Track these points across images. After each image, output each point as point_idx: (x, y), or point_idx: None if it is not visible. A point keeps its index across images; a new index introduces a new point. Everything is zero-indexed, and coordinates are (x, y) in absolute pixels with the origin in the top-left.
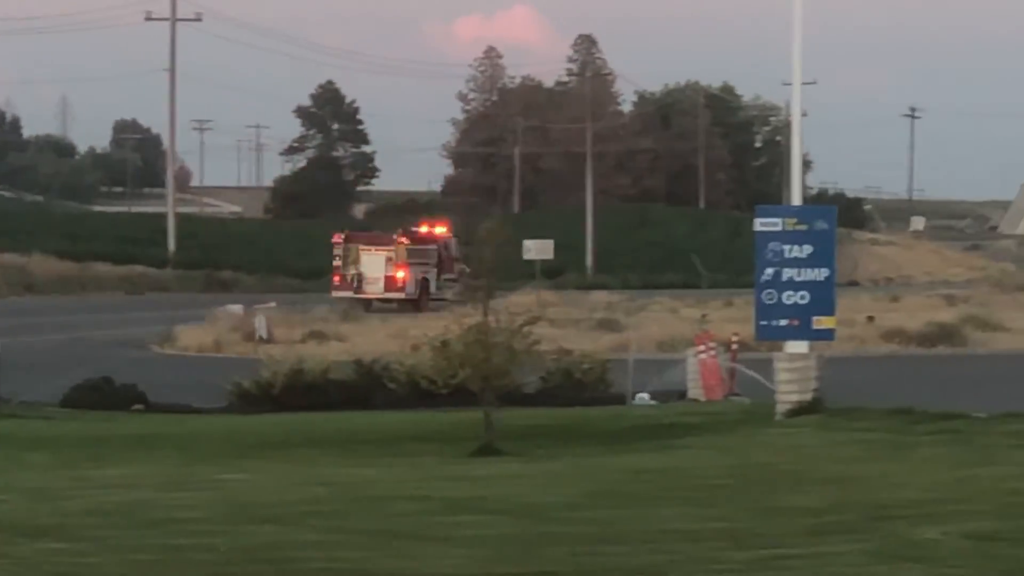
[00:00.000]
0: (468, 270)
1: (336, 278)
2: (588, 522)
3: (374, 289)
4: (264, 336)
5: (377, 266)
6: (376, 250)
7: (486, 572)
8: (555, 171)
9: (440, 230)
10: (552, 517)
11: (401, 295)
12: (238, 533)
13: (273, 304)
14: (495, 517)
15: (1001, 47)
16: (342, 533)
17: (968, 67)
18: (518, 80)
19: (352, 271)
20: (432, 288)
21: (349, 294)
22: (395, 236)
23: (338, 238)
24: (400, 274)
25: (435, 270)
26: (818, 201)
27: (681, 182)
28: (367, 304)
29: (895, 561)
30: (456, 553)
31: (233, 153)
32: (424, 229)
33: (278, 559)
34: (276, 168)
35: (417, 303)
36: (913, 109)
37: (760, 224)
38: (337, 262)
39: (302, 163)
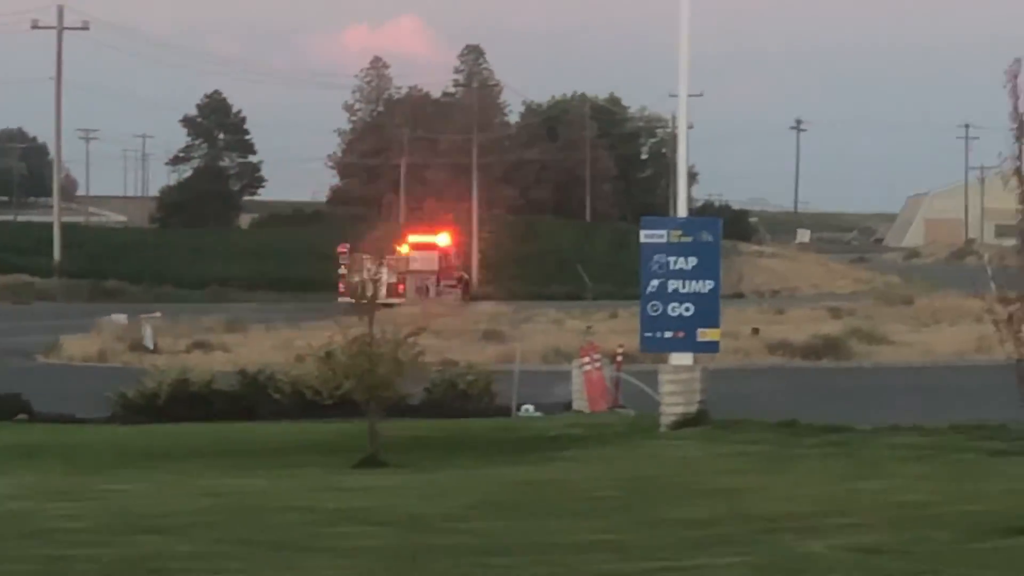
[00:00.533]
0: (467, 277)
1: (341, 286)
2: (473, 534)
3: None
4: (150, 346)
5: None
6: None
7: None
8: (441, 182)
9: (441, 239)
10: (437, 529)
11: (403, 301)
12: (122, 544)
13: (158, 314)
14: (379, 528)
15: (888, 60)
16: (226, 544)
17: (855, 80)
18: (405, 91)
19: (356, 279)
20: (432, 294)
21: (352, 301)
22: (397, 245)
23: (343, 248)
24: (401, 282)
25: (436, 276)
26: (704, 213)
27: (567, 193)
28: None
29: (780, 574)
30: (340, 564)
31: (119, 163)
32: (425, 239)
33: (161, 570)
34: (163, 178)
35: (417, 309)
36: (799, 121)
37: (645, 236)
38: (342, 271)
39: (188, 173)
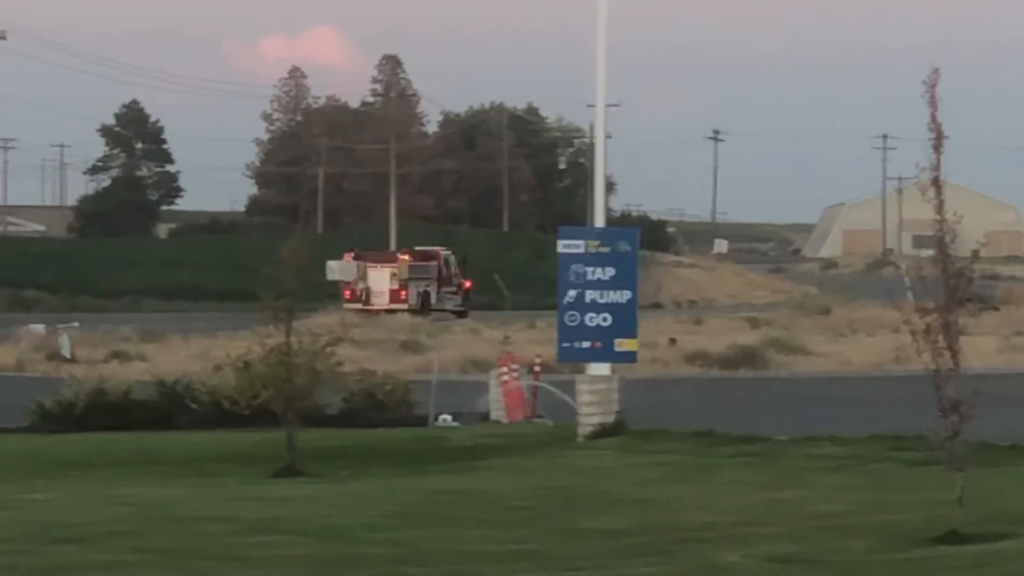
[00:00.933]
0: (466, 284)
1: (347, 292)
2: (389, 544)
3: (380, 302)
4: (67, 355)
5: (383, 281)
6: (382, 267)
7: None
8: (359, 192)
9: (442, 249)
10: (353, 538)
11: (405, 307)
12: (39, 553)
13: (76, 324)
14: (296, 538)
15: (806, 70)
16: (143, 553)
17: (773, 90)
18: (323, 101)
19: (361, 286)
20: (433, 300)
21: (358, 306)
22: (399, 254)
23: (348, 256)
24: (403, 289)
25: (436, 284)
26: (621, 223)
27: (485, 203)
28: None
29: None
30: (255, 574)
31: (37, 172)
32: (426, 248)
33: None
34: (81, 187)
35: (420, 314)
36: (716, 132)
37: (563, 246)
38: (348, 278)
39: (106, 182)
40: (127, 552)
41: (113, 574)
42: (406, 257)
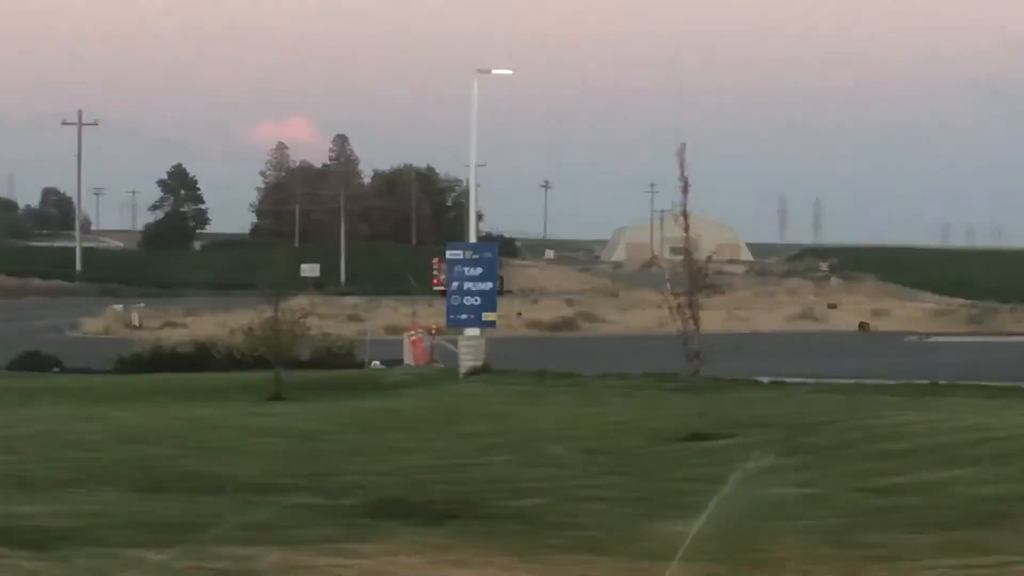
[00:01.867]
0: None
1: (436, 282)
2: (340, 442)
3: None
4: (137, 325)
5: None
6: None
7: (276, 473)
8: (321, 221)
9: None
10: (318, 438)
11: None
12: (119, 449)
13: (142, 304)
14: (283, 439)
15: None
16: (185, 448)
17: (589, 145)
18: (298, 163)
19: (444, 278)
20: None
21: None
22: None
23: (437, 261)
24: None
25: None
26: (486, 240)
27: (400, 228)
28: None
29: (535, 467)
30: (256, 463)
31: (118, 208)
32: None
33: (143, 466)
34: (145, 218)
35: None
36: (547, 182)
37: (449, 254)
38: (437, 275)
39: (161, 215)
40: (174, 448)
41: (167, 462)
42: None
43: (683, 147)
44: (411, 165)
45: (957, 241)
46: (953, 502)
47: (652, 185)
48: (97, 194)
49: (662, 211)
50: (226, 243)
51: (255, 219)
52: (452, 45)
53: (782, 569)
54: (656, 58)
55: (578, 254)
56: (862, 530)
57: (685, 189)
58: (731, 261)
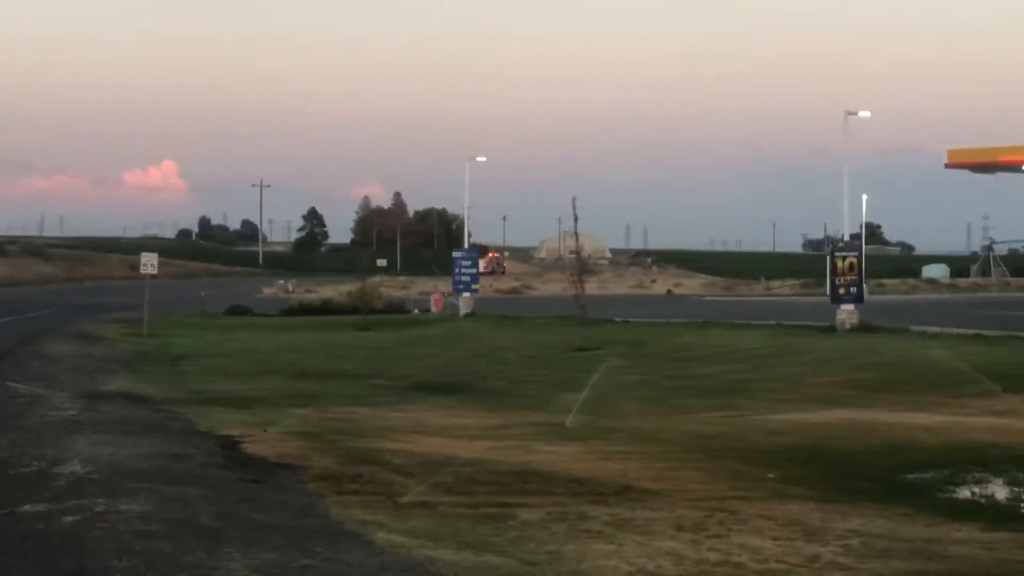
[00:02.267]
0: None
1: (483, 264)
2: (397, 352)
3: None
4: (290, 291)
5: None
6: (488, 256)
7: (364, 368)
8: (387, 237)
9: (496, 252)
10: (387, 350)
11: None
12: (281, 355)
13: (294, 280)
14: (367, 350)
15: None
16: (318, 357)
17: (531, 192)
18: (375, 206)
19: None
20: (498, 269)
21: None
22: (489, 254)
23: (490, 254)
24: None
25: (502, 264)
26: (473, 247)
27: (429, 241)
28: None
29: (499, 365)
30: (354, 363)
31: (283, 227)
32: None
33: (294, 364)
34: (296, 234)
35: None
36: (505, 217)
37: (455, 255)
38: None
39: (301, 234)
40: (313, 356)
41: (311, 362)
42: (493, 254)
43: (574, 198)
44: (434, 207)
45: (720, 247)
46: (716, 383)
47: (559, 218)
48: (271, 222)
49: (565, 230)
50: (336, 248)
51: (352, 236)
52: (452, 133)
53: (626, 417)
54: (558, 136)
55: (523, 253)
56: (670, 398)
57: (575, 219)
58: (600, 258)
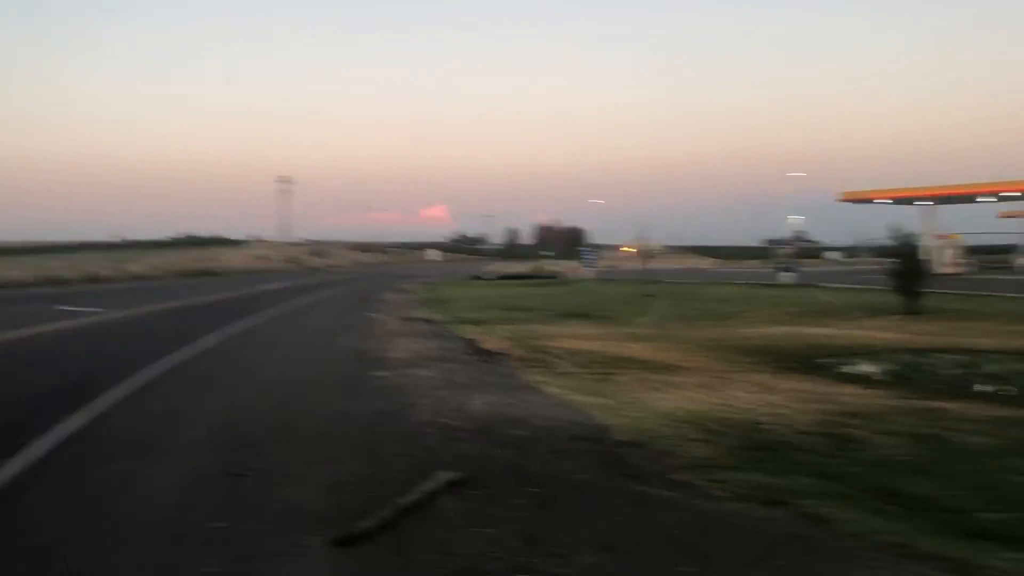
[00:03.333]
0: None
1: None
2: (550, 296)
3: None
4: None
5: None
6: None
7: (545, 305)
8: (552, 238)
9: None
10: (550, 296)
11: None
12: (497, 299)
13: (502, 262)
14: (540, 297)
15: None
16: (517, 300)
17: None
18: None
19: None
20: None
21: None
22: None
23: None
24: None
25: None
26: (592, 245)
27: (577, 242)
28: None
29: (603, 303)
30: (534, 303)
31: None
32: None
33: (517, 307)
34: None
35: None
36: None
37: (582, 249)
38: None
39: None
40: (510, 299)
41: (524, 313)
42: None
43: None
44: (576, 226)
45: (718, 244)
46: (716, 313)
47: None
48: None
49: (640, 234)
50: (524, 247)
51: (534, 241)
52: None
53: (668, 329)
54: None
55: (613, 250)
56: (692, 320)
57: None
58: (656, 250)
